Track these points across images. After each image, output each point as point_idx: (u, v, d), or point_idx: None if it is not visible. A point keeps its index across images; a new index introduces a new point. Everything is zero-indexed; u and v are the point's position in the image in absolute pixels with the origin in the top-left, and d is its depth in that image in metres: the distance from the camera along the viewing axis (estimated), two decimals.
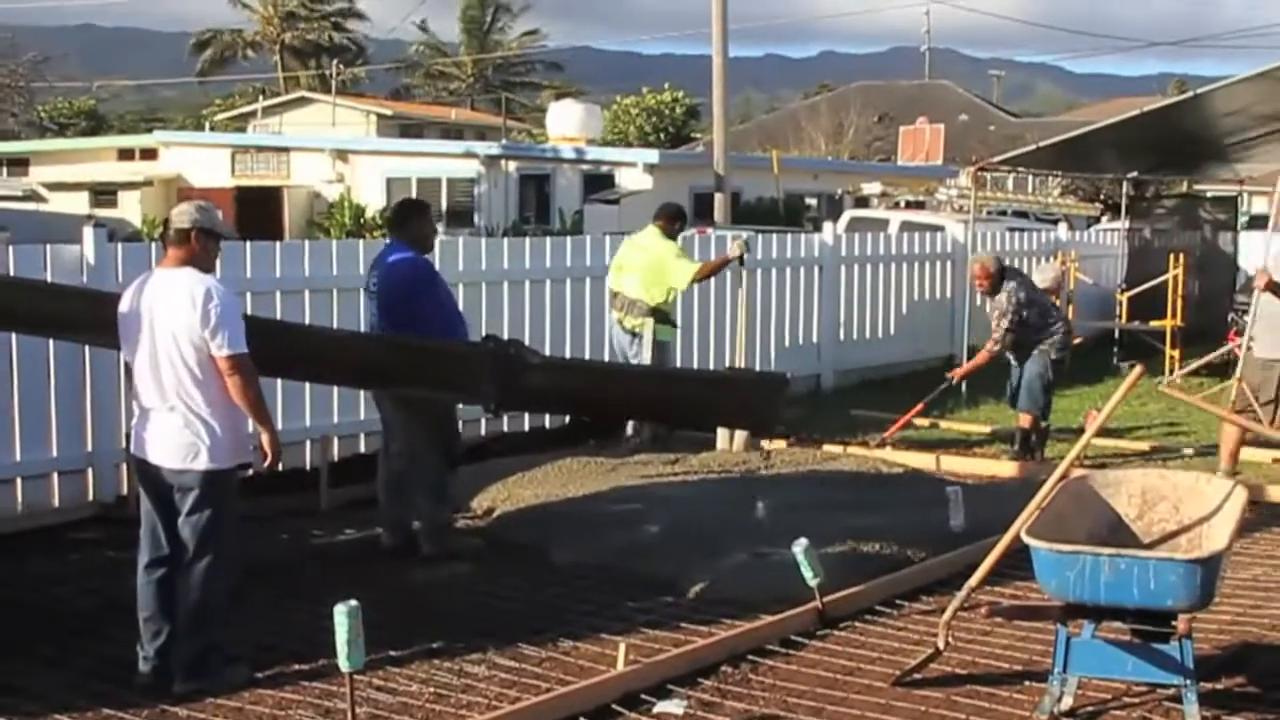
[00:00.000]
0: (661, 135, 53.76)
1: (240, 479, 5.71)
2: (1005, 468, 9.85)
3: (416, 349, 7.85)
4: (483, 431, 10.21)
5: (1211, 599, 4.91)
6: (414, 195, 30.74)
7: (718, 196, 24.84)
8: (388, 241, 8.02)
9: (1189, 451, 10.28)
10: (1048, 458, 10.00)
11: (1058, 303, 10.47)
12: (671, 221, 10.37)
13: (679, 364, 11.17)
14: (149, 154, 36.61)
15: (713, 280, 11.24)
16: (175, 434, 5.43)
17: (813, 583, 6.12)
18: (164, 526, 5.53)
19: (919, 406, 10.87)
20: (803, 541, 6.09)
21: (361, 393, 9.34)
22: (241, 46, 63.30)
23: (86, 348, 7.99)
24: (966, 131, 45.89)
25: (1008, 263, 10.92)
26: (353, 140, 37.12)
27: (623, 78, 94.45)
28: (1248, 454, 10.09)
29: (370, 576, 6.94)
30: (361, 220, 29.47)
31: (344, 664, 4.68)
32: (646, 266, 10.17)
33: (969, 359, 11.76)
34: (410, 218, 7.86)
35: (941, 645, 5.58)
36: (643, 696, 5.32)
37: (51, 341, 7.90)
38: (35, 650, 5.86)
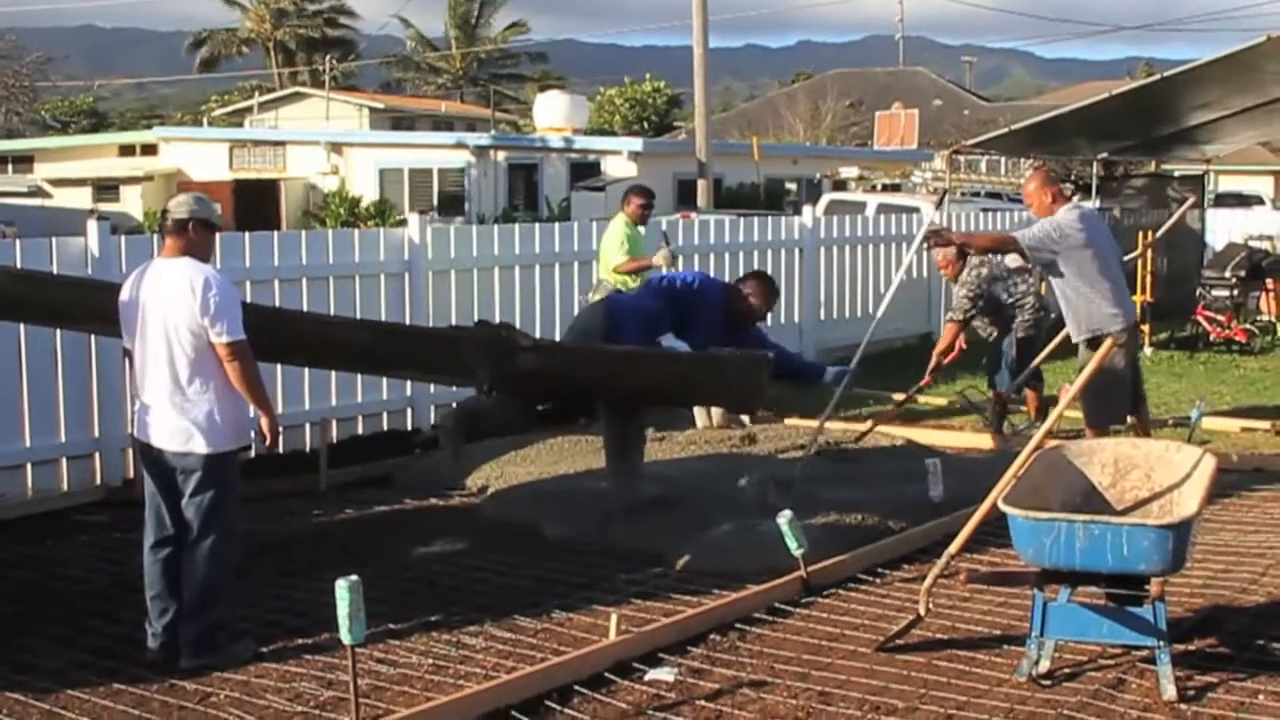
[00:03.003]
0: (645, 124, 53.99)
1: (242, 461, 5.81)
2: (982, 440, 9.98)
3: (407, 334, 8.01)
4: None
5: (1183, 563, 5.01)
6: (406, 185, 30.90)
7: (700, 183, 25.04)
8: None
9: (1169, 420, 10.38)
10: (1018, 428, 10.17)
11: (1030, 279, 10.56)
12: (630, 202, 10.53)
13: None
14: (149, 150, 36.80)
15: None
16: (176, 419, 5.52)
17: (797, 553, 6.22)
18: (168, 508, 5.62)
19: (904, 396, 11.02)
20: (787, 513, 6.20)
21: (359, 377, 9.49)
22: (237, 44, 63.18)
23: (92, 336, 8.08)
24: (940, 116, 45.88)
25: None
26: (346, 134, 37.20)
27: (606, 69, 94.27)
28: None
29: (370, 553, 7.06)
30: (356, 210, 29.60)
31: (346, 637, 4.72)
32: (602, 248, 10.45)
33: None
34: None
35: (922, 611, 5.68)
36: (635, 665, 5.40)
37: (59, 330, 7.99)
38: (47, 629, 5.96)
